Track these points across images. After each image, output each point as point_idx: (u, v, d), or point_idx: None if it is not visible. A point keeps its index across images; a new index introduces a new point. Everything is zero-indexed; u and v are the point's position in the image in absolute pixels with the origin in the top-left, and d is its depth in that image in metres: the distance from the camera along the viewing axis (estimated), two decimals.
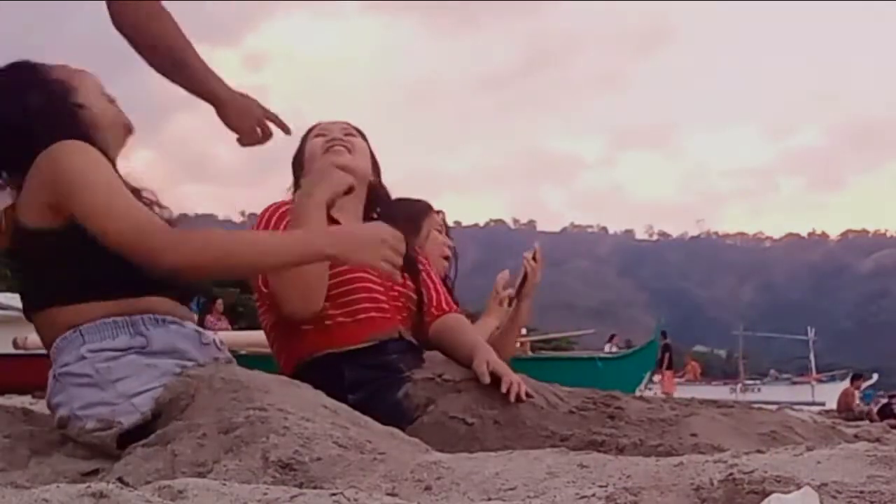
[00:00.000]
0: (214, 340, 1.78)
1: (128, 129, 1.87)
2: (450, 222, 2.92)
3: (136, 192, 1.77)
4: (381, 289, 2.11)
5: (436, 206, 2.83)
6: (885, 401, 16.84)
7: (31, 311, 1.75)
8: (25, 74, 1.78)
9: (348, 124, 2.29)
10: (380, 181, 2.31)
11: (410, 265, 2.16)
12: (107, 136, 1.79)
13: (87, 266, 1.66)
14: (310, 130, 2.30)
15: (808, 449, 1.29)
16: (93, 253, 1.64)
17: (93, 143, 1.72)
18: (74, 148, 1.67)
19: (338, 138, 2.22)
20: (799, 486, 1.00)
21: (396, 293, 2.16)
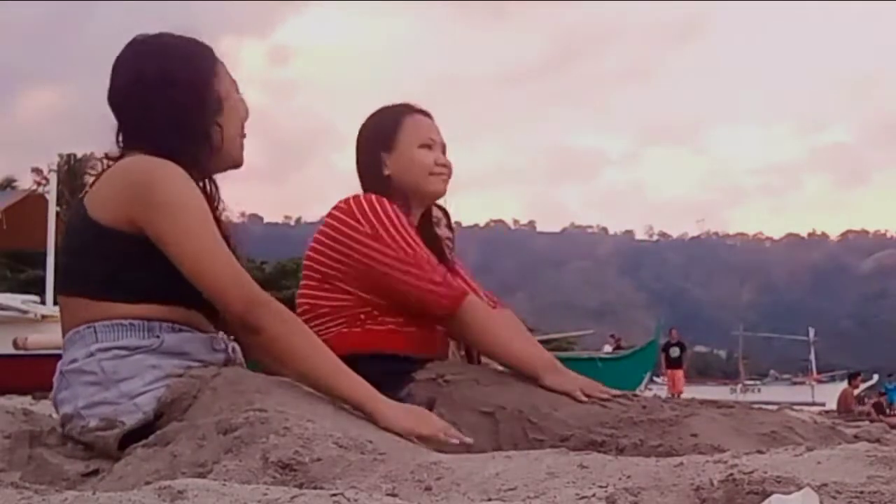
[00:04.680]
0: (228, 346, 1.77)
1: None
2: (454, 221, 2.92)
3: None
4: None
5: (454, 202, 2.84)
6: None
7: (62, 292, 1.75)
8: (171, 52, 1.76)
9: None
10: None
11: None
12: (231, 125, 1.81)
13: (128, 269, 1.66)
14: (404, 109, 2.25)
15: (808, 449, 1.29)
16: (136, 258, 1.65)
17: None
18: (166, 175, 1.66)
19: (444, 164, 2.22)
20: (799, 487, 1.00)
21: None
